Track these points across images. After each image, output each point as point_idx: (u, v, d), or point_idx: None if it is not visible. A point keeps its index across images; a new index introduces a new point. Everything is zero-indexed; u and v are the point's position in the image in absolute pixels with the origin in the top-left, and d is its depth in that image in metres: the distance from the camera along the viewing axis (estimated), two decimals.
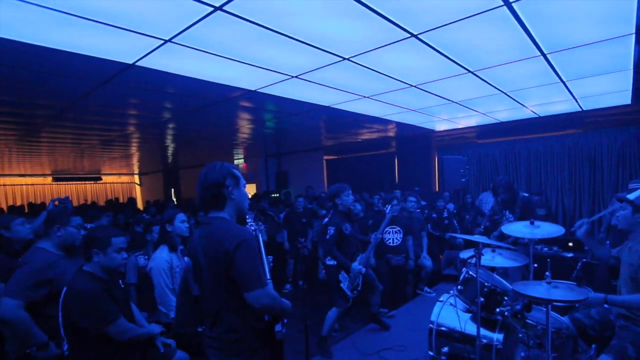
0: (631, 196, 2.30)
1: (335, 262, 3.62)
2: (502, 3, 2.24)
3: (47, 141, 6.59)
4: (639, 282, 2.19)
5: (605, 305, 2.22)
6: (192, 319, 2.66)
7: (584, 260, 4.19)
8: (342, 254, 3.52)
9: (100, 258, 2.14)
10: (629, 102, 5.13)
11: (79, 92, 3.53)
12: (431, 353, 2.91)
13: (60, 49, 2.51)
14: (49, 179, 13.96)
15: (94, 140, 6.64)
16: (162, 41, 2.53)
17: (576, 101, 5.06)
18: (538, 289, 2.18)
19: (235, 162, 11.94)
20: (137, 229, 4.39)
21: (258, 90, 3.82)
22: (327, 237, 3.51)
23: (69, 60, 2.69)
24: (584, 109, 5.61)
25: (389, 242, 4.56)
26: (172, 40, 2.52)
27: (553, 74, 3.72)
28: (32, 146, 7.17)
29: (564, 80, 3.97)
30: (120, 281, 2.37)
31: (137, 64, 2.88)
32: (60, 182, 14.21)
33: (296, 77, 3.45)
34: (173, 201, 10.71)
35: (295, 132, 7.14)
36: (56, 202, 3.13)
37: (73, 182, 14.56)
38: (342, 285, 3.51)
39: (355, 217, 4.11)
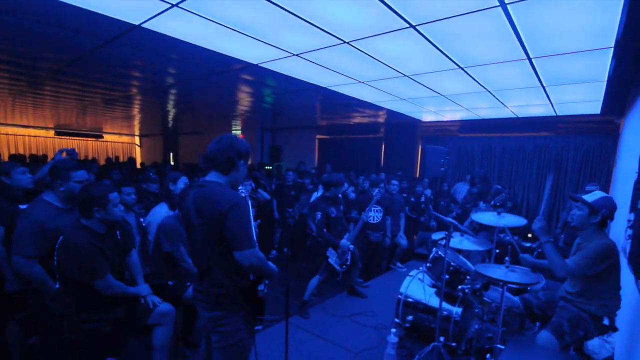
0: (589, 198, 2.31)
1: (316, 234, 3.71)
2: (497, 3, 2.19)
3: (50, 95, 6.31)
4: (582, 276, 2.28)
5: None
6: (162, 272, 2.68)
7: (539, 250, 4.35)
8: (330, 234, 3.66)
9: (102, 214, 2.12)
10: (598, 112, 5.19)
11: (84, 48, 3.35)
12: (397, 320, 3.02)
13: (69, 3, 2.36)
14: (51, 132, 13.49)
15: (97, 98, 6.40)
16: (169, 5, 2.40)
17: (552, 106, 5.09)
18: (497, 272, 2.27)
19: (233, 132, 11.75)
20: (144, 186, 4.31)
21: (259, 65, 3.71)
22: (316, 220, 3.64)
23: (77, 15, 2.53)
24: (558, 114, 5.66)
25: (370, 220, 4.63)
26: (179, 5, 2.40)
27: (535, 77, 3.71)
28: (35, 98, 6.86)
29: (544, 85, 3.97)
30: (117, 232, 2.34)
31: (142, 25, 2.74)
32: (62, 137, 13.75)
33: (297, 55, 3.36)
34: (170, 164, 10.52)
35: (291, 109, 7.02)
36: (64, 153, 3.01)
37: (75, 138, 14.08)
38: (330, 260, 3.61)
39: (345, 198, 4.17)
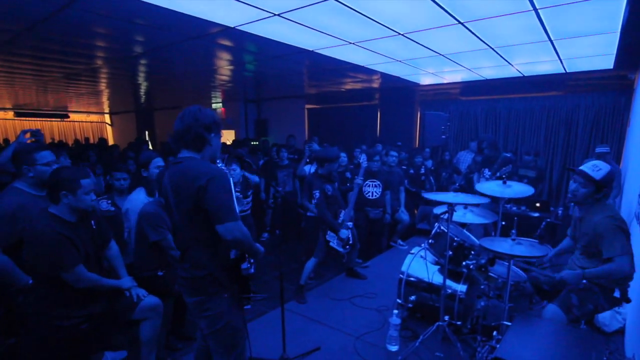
0: (594, 174, 2.27)
1: (314, 215, 3.71)
2: None
3: (3, 71, 6.04)
4: (593, 251, 2.32)
5: (584, 281, 2.30)
6: (150, 263, 2.67)
7: (548, 220, 4.43)
8: (330, 212, 3.66)
9: (70, 200, 2.06)
10: (610, 66, 5.14)
11: (37, 15, 3.16)
12: (399, 300, 3.09)
13: None
14: (10, 113, 13.07)
15: (57, 72, 6.14)
16: None
17: (561, 62, 5.03)
18: (503, 245, 2.29)
19: (214, 106, 11.50)
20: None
21: (237, 28, 3.55)
22: (315, 201, 3.61)
23: None
24: (568, 71, 5.60)
25: (368, 195, 4.63)
26: None
27: (542, 31, 3.62)
28: None
29: (552, 39, 3.89)
30: (92, 222, 2.30)
31: None
32: (23, 118, 13.33)
33: (278, 15, 3.21)
34: (147, 144, 10.31)
35: (276, 77, 6.83)
36: (27, 134, 2.90)
37: (37, 119, 13.67)
38: (331, 244, 3.63)
39: (341, 176, 4.15)
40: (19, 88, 8.10)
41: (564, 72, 5.66)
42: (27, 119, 13.41)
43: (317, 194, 3.59)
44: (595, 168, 2.31)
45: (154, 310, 2.39)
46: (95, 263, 2.27)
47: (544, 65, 5.23)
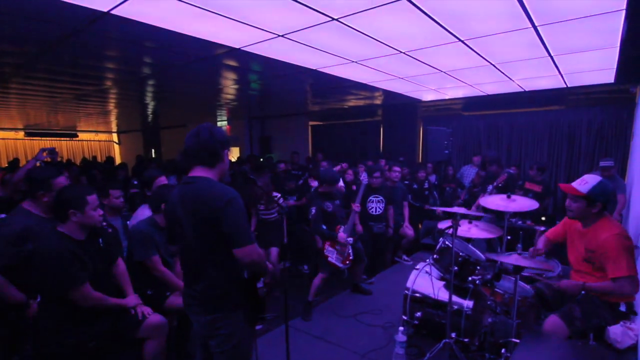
0: (581, 187, 2.26)
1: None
2: None
3: (16, 93, 6.19)
4: (598, 266, 2.29)
5: (583, 292, 2.28)
6: (140, 281, 2.67)
7: None
8: (329, 229, 3.69)
9: (79, 217, 2.09)
10: (612, 80, 5.17)
11: (50, 39, 3.27)
12: (405, 317, 3.04)
13: None
14: (21, 133, 13.33)
15: (68, 94, 6.29)
16: None
17: (562, 77, 5.07)
18: (510, 259, 2.27)
19: (219, 124, 11.65)
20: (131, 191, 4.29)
21: (242, 49, 3.64)
22: (310, 217, 3.67)
23: (38, 3, 2.46)
24: (569, 85, 5.64)
25: (372, 211, 4.62)
26: None
27: (542, 47, 3.67)
28: (0, 97, 6.76)
29: (552, 54, 3.93)
30: (100, 240, 2.32)
31: (112, 12, 2.67)
32: (34, 137, 13.59)
33: (282, 36, 3.29)
34: (147, 162, 10.39)
35: (280, 95, 6.95)
36: (45, 153, 2.97)
37: (47, 138, 13.94)
38: (330, 259, 3.62)
39: (338, 192, 4.15)
40: (31, 109, 8.29)
41: (565, 86, 5.69)
42: (37, 138, 13.68)
43: (313, 210, 3.66)
44: (582, 182, 2.30)
45: (159, 328, 2.37)
46: (105, 280, 2.27)
47: (545, 80, 5.28)
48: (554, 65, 4.40)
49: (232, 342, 1.75)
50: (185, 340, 3.01)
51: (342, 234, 3.66)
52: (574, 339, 2.19)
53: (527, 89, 6.01)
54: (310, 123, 10.11)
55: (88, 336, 2.13)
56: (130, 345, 2.35)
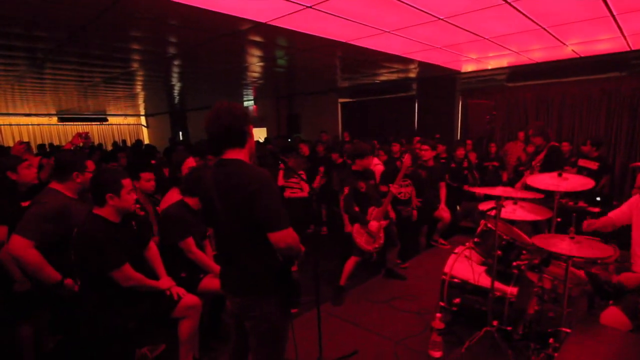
0: None
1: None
2: None
3: (49, 78, 6.53)
4: None
5: None
6: (172, 265, 2.77)
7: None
8: (360, 211, 3.63)
9: (115, 201, 2.20)
10: None
11: (76, 22, 3.39)
12: (442, 303, 3.00)
13: None
14: (54, 119, 14.12)
15: (97, 77, 6.55)
16: None
17: (625, 39, 4.66)
18: (560, 244, 2.16)
19: (245, 103, 11.76)
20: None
21: (269, 23, 3.60)
22: (344, 195, 3.61)
23: None
24: (633, 48, 5.18)
25: (401, 196, 4.55)
26: None
27: (603, 4, 3.37)
28: (34, 84, 7.14)
29: (614, 13, 3.61)
30: (133, 223, 2.43)
31: None
32: (66, 122, 14.38)
33: (311, 7, 3.22)
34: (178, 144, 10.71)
35: (308, 71, 6.87)
36: (79, 137, 3.14)
37: (79, 123, 14.72)
38: (359, 242, 3.59)
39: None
40: (63, 94, 8.73)
41: (629, 50, 5.24)
42: (69, 123, 14.46)
43: (346, 189, 3.59)
44: None
45: (193, 308, 2.49)
46: (137, 264, 2.40)
47: (605, 43, 4.87)
48: (616, 26, 4.04)
49: (266, 325, 1.80)
50: (217, 321, 3.14)
51: (374, 223, 3.61)
52: (634, 332, 2.09)
53: (582, 55, 5.59)
54: (340, 100, 9.98)
55: (128, 317, 2.26)
56: (166, 325, 2.49)
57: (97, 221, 2.18)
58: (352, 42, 4.50)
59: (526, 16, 3.64)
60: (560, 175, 2.75)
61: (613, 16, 3.69)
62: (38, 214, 2.29)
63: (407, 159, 3.79)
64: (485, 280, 2.82)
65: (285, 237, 1.66)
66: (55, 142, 13.15)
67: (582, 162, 5.18)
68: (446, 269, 3.04)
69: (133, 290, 2.27)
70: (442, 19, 3.69)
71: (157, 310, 2.39)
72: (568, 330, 2.07)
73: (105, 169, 2.59)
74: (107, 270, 2.15)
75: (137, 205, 3.29)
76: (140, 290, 2.31)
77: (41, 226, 2.27)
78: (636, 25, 4.05)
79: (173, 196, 3.12)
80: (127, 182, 2.25)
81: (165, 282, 2.50)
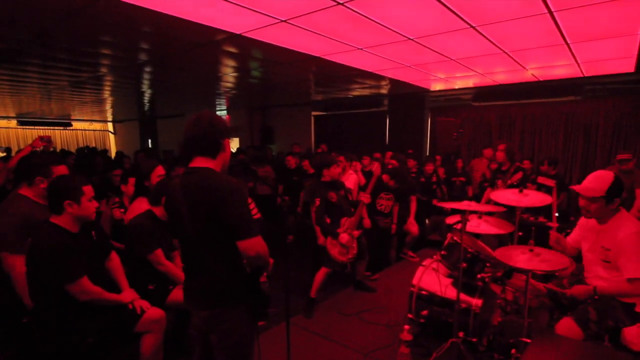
0: (600, 190, 2.28)
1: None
2: None
3: (9, 79, 6.20)
4: (611, 263, 2.28)
5: (596, 297, 2.28)
6: (140, 276, 2.68)
7: (568, 230, 4.34)
8: (332, 221, 3.64)
9: (74, 209, 2.09)
10: (632, 69, 5.11)
11: (44, 24, 3.26)
12: (410, 315, 3.04)
13: None
14: (13, 122, 13.38)
15: (63, 81, 6.30)
16: None
17: (578, 66, 5.01)
18: (521, 258, 2.26)
19: (218, 113, 11.62)
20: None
21: (243, 35, 3.62)
22: (315, 207, 3.62)
23: None
24: (586, 74, 5.57)
25: (382, 209, 4.63)
26: None
27: (558, 34, 3.62)
28: None
29: (569, 42, 3.88)
30: (93, 233, 2.33)
31: None
32: (27, 127, 13.64)
33: (285, 21, 3.26)
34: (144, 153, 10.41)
35: (282, 84, 6.91)
36: (40, 140, 3.03)
37: (40, 127, 13.98)
38: (332, 253, 3.59)
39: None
40: (24, 97, 8.30)
41: (582, 76, 5.63)
42: (30, 127, 13.71)
43: (317, 201, 3.61)
44: (596, 181, 2.31)
45: (158, 322, 2.39)
46: (97, 276, 2.28)
47: (561, 69, 5.22)
48: (570, 54, 4.34)
49: (234, 337, 1.75)
50: (183, 335, 3.03)
51: (344, 235, 3.62)
52: (588, 341, 2.19)
53: (541, 79, 5.95)
54: (313, 113, 10.07)
55: (86, 332, 2.13)
56: (128, 340, 2.38)
57: (53, 230, 2.06)
58: (325, 57, 4.59)
59: (490, 40, 3.85)
60: (521, 191, 2.89)
61: (567, 45, 3.96)
62: (9, 224, 2.18)
63: (376, 167, 3.84)
64: (451, 292, 2.88)
65: (255, 245, 1.64)
66: (14, 147, 12.44)
67: (541, 180, 5.45)
68: (414, 281, 3.09)
69: (91, 304, 2.15)
70: (412, 39, 3.83)
71: (118, 324, 2.27)
72: (528, 341, 2.14)
73: (64, 175, 2.47)
74: (62, 283, 2.03)
75: (122, 210, 3.18)
76: (100, 304, 2.21)
77: (20, 235, 2.18)
78: (589, 54, 4.37)
79: (141, 206, 3.02)
80: (88, 188, 2.14)
81: (128, 295, 2.39)
